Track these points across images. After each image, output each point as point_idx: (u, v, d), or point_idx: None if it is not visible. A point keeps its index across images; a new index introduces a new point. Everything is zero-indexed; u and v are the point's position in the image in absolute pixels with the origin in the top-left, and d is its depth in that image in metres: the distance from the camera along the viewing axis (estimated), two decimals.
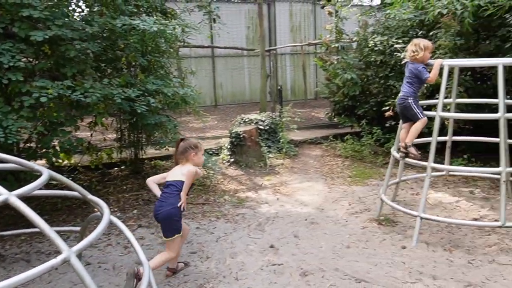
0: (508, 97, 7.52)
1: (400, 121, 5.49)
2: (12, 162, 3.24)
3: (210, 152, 8.41)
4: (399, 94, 5.24)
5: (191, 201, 6.35)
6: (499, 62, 4.74)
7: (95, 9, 6.30)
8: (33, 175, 4.59)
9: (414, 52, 5.03)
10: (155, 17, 6.22)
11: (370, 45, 8.55)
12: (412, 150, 5.24)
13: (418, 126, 5.16)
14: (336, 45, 9.00)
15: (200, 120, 8.26)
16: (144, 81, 6.03)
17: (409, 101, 5.11)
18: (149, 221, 5.67)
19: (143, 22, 5.70)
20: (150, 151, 8.11)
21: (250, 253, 4.76)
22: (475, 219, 5.57)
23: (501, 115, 4.66)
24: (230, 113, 14.11)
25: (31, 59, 5.45)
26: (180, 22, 6.79)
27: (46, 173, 3.08)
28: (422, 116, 5.12)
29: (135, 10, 6.41)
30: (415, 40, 5.12)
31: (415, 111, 5.12)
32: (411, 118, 5.22)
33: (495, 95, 5.02)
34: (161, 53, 7.01)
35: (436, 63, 4.96)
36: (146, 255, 3.48)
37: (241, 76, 16.50)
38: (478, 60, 6.14)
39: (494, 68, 6.56)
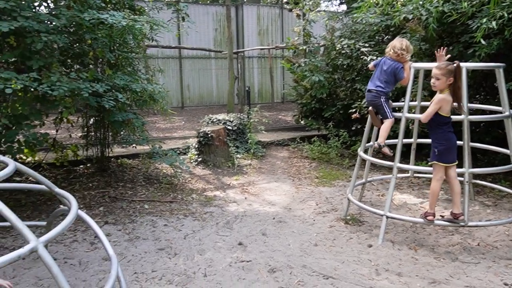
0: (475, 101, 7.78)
1: (367, 122, 5.58)
2: None
3: (178, 152, 8.35)
4: (370, 87, 5.28)
5: (158, 199, 6.29)
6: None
7: (62, 3, 6.17)
8: None
9: (402, 50, 5.12)
10: (124, 12, 6.13)
11: (337, 48, 8.67)
12: (386, 150, 5.31)
13: (386, 125, 5.25)
14: (304, 47, 9.08)
15: (167, 120, 8.18)
16: (112, 76, 5.93)
17: (382, 100, 5.19)
18: (115, 218, 5.58)
19: (111, 16, 5.61)
20: (117, 150, 8.00)
21: (218, 250, 4.75)
22: (439, 220, 5.71)
23: (464, 117, 4.81)
24: (197, 114, 14.02)
25: None
26: (149, 18, 6.72)
27: (12, 164, 2.98)
28: (391, 116, 5.22)
29: (103, 5, 6.30)
30: (405, 41, 5.20)
31: (385, 110, 5.21)
32: (380, 116, 5.31)
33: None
34: (128, 49, 6.92)
35: (407, 65, 5.10)
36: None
37: (208, 77, 16.44)
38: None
39: None
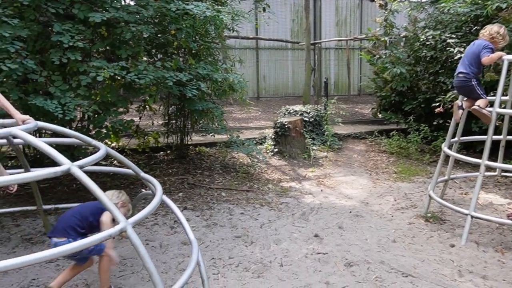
0: None
1: (453, 117, 5.32)
2: (73, 136, 3.34)
3: (254, 142, 8.43)
4: (458, 70, 5.05)
5: (235, 187, 6.40)
6: None
7: None
8: (87, 155, 4.71)
9: (498, 34, 4.85)
10: (207, 3, 6.24)
11: (421, 40, 8.32)
12: (484, 111, 4.94)
13: (482, 103, 4.96)
14: (386, 38, 8.82)
15: (245, 109, 8.27)
16: (195, 66, 6.07)
17: (473, 83, 4.94)
18: (194, 204, 5.74)
19: (196, 7, 5.73)
20: (195, 138, 8.21)
21: (294, 240, 4.75)
22: None
23: None
24: (273, 105, 14.07)
25: (88, 41, 5.57)
26: (231, 9, 6.80)
27: (103, 148, 3.15)
28: (485, 97, 4.97)
29: None
30: (504, 29, 4.93)
31: (479, 92, 4.96)
32: (473, 99, 5.05)
33: None
34: (209, 39, 7.05)
35: (498, 53, 4.80)
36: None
37: (284, 69, 16.43)
38: None
39: None
